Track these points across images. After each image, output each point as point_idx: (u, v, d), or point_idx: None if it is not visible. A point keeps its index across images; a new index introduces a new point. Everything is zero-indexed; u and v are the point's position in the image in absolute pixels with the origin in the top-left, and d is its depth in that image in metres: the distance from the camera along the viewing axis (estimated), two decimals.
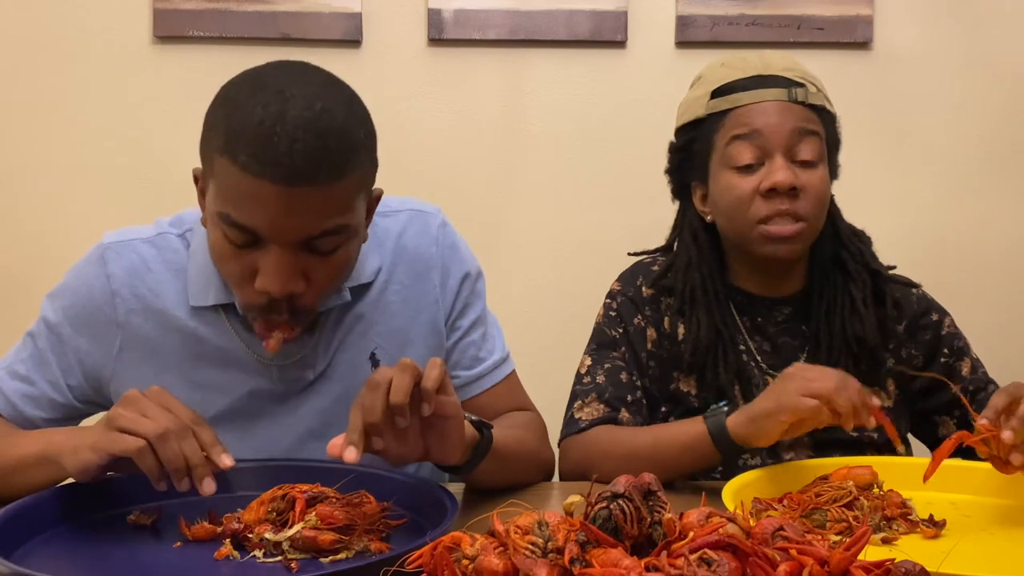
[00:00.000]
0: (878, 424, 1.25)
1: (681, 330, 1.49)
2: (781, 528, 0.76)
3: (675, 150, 1.54)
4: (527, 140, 2.40)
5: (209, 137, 1.15)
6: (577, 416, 1.45)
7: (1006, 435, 1.15)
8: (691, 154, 1.50)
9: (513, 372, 1.46)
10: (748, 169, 1.42)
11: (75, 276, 1.33)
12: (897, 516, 1.16)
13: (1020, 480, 1.27)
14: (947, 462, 1.35)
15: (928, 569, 0.75)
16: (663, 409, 1.50)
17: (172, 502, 1.14)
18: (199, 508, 1.12)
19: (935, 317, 1.53)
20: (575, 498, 0.82)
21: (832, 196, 1.50)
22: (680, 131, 1.53)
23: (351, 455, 1.04)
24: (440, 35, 2.34)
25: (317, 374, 1.33)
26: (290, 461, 1.28)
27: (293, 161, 1.09)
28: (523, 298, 2.39)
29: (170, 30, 2.32)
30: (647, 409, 1.48)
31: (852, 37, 2.38)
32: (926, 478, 1.23)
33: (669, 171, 1.56)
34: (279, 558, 1.04)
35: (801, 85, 1.44)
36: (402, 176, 2.23)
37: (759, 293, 1.50)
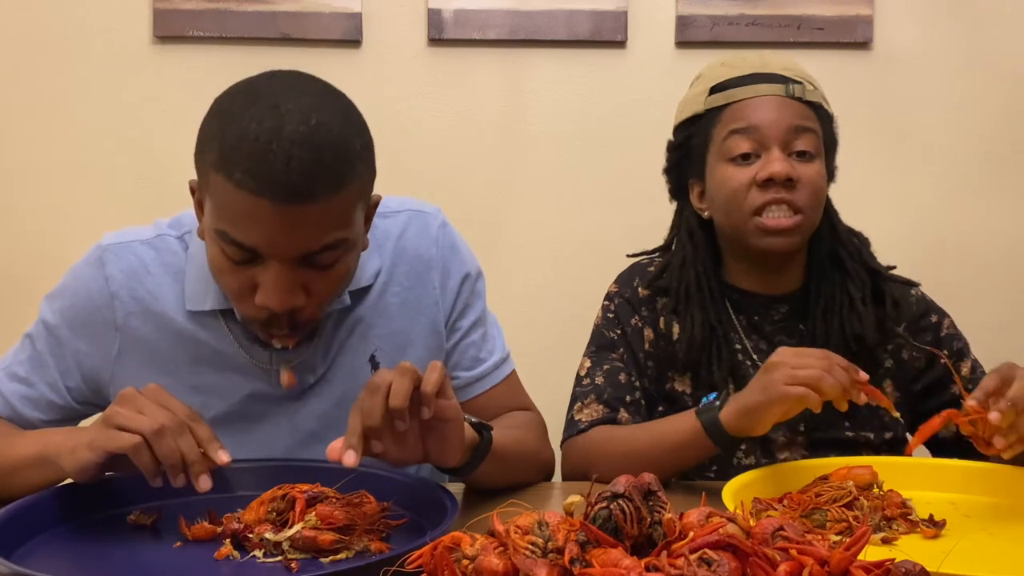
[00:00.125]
0: (870, 398, 1.24)
1: (676, 329, 1.50)
2: (781, 528, 0.76)
3: (673, 148, 1.55)
4: (527, 140, 2.40)
5: (204, 151, 1.13)
6: (577, 418, 1.45)
7: (993, 416, 1.16)
8: (689, 150, 1.51)
9: (513, 372, 1.46)
10: (745, 160, 1.43)
11: (73, 278, 1.33)
12: (897, 516, 1.16)
13: (1020, 480, 1.28)
14: (947, 462, 1.36)
15: (928, 569, 0.75)
16: (660, 409, 1.50)
17: (172, 502, 1.14)
18: (199, 508, 1.12)
19: (934, 319, 1.53)
20: (575, 498, 0.82)
21: (829, 198, 1.51)
22: (679, 128, 1.54)
23: (350, 459, 1.04)
24: (440, 35, 2.34)
25: (317, 377, 1.33)
26: (290, 461, 1.28)
27: (290, 178, 1.07)
28: (523, 298, 2.39)
29: (170, 30, 2.32)
30: (646, 409, 1.49)
31: (852, 37, 2.38)
32: (909, 451, 1.24)
33: (667, 170, 1.57)
34: (279, 558, 1.04)
35: (799, 83, 1.45)
36: (402, 176, 2.24)
37: (755, 291, 1.51)
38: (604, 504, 0.79)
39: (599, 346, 1.52)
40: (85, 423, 1.33)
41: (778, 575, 0.71)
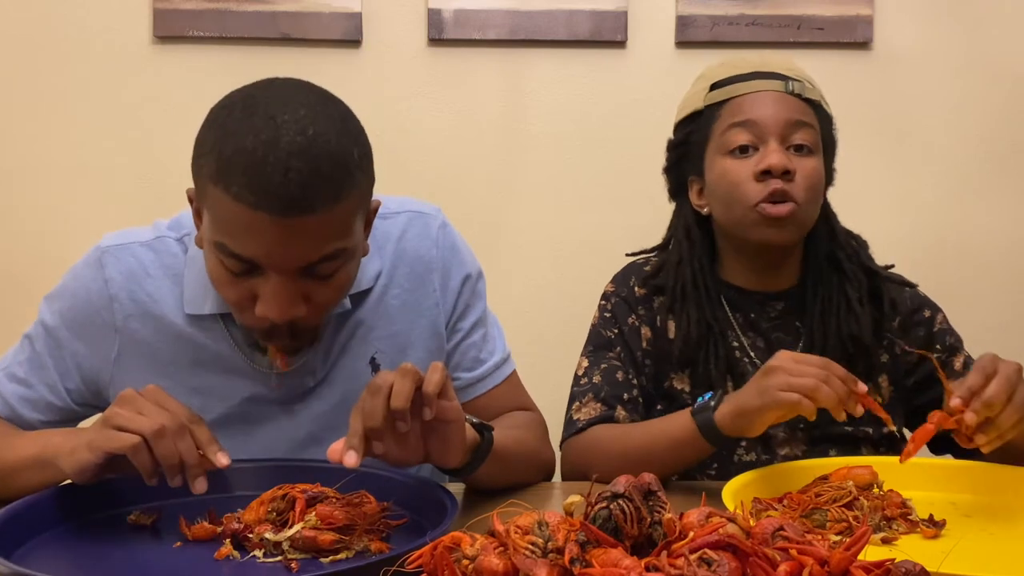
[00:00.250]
0: (867, 409, 1.24)
1: (672, 327, 1.50)
2: (781, 528, 0.76)
3: (673, 146, 1.56)
4: (527, 140, 2.40)
5: (201, 163, 1.13)
6: (575, 417, 1.46)
7: (968, 416, 1.17)
8: (689, 147, 1.52)
9: (514, 372, 1.46)
10: (743, 153, 1.43)
11: (73, 279, 1.33)
12: (897, 516, 1.16)
13: (1020, 480, 1.28)
14: (947, 462, 1.36)
15: (928, 569, 0.75)
16: (659, 407, 1.50)
17: (172, 502, 1.14)
18: (199, 508, 1.12)
19: (927, 314, 1.54)
20: (575, 498, 0.82)
21: (828, 201, 1.52)
22: (679, 125, 1.55)
23: (351, 459, 1.04)
24: (440, 35, 2.34)
25: (317, 380, 1.33)
26: (290, 461, 1.28)
27: (288, 191, 1.06)
28: (523, 298, 2.39)
29: (170, 30, 2.32)
30: (644, 407, 1.49)
31: (852, 37, 2.38)
32: (903, 459, 1.24)
33: (667, 169, 1.58)
34: (279, 558, 1.04)
35: (798, 80, 1.47)
36: (402, 176, 2.24)
37: (752, 288, 1.51)
38: (604, 504, 0.79)
39: (596, 345, 1.52)
40: (84, 424, 1.33)
41: (778, 575, 0.71)
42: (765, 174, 1.41)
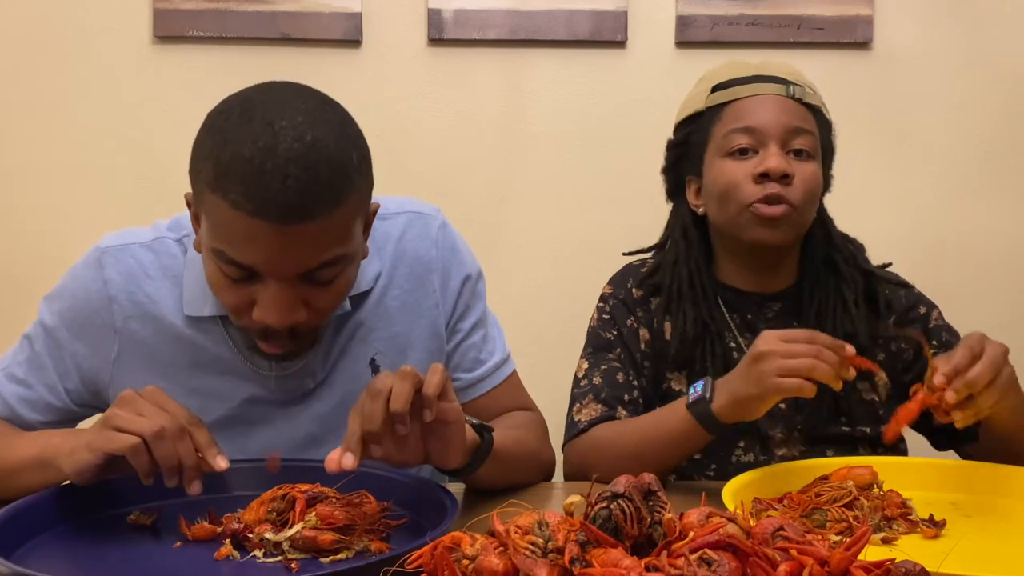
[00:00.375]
0: (858, 366, 1.24)
1: (668, 328, 1.50)
2: (781, 528, 0.76)
3: (673, 146, 1.57)
4: (527, 140, 2.40)
5: (199, 169, 1.12)
6: (577, 419, 1.46)
7: (949, 395, 1.17)
8: (689, 147, 1.52)
9: (514, 373, 1.46)
10: (743, 155, 1.44)
11: (72, 279, 1.33)
12: (897, 516, 1.16)
13: (1021, 480, 1.28)
14: (947, 462, 1.36)
15: (928, 569, 0.75)
16: (656, 408, 1.50)
17: (172, 502, 1.14)
18: (199, 508, 1.12)
19: (922, 310, 1.54)
20: (575, 498, 0.82)
21: (824, 205, 1.53)
22: (679, 126, 1.56)
23: (348, 461, 1.04)
24: (440, 35, 2.34)
25: (317, 382, 1.33)
26: (290, 461, 1.27)
27: (286, 198, 1.06)
28: (523, 298, 2.39)
29: (170, 30, 2.32)
30: (644, 408, 1.49)
31: (852, 37, 2.38)
32: (887, 437, 1.25)
33: (665, 169, 1.58)
34: (279, 558, 1.04)
35: (799, 85, 1.48)
36: (402, 176, 2.24)
37: (748, 289, 1.52)
38: (604, 504, 0.79)
39: (596, 347, 1.52)
40: (84, 424, 1.33)
41: (778, 575, 0.71)
42: (763, 176, 1.41)
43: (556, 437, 1.48)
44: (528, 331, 2.30)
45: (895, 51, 2.41)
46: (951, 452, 1.51)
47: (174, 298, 1.30)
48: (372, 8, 2.33)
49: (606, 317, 1.54)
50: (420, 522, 1.12)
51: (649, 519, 0.79)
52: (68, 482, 1.16)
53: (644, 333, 1.52)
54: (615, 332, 1.52)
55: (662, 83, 2.30)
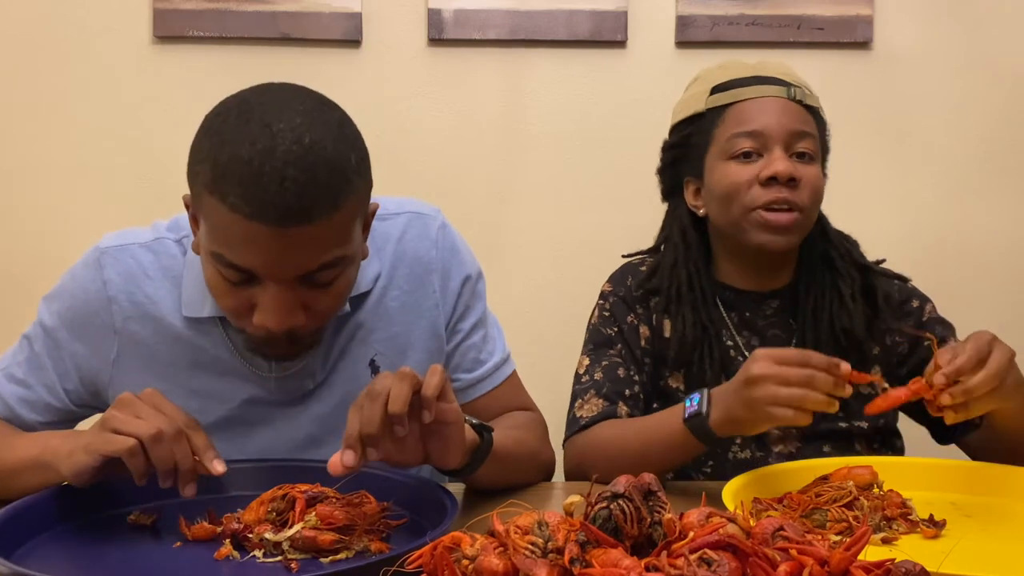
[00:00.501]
0: (856, 381, 1.22)
1: (668, 327, 1.50)
2: (781, 528, 0.76)
3: (670, 147, 1.57)
4: (527, 140, 2.40)
5: (197, 172, 1.12)
6: (578, 415, 1.46)
7: (944, 398, 1.17)
8: (688, 149, 1.52)
9: (514, 373, 1.46)
10: (747, 158, 1.44)
11: (71, 280, 1.33)
12: (897, 516, 1.16)
13: (1021, 480, 1.28)
14: (947, 462, 1.36)
15: (928, 569, 0.75)
16: (655, 405, 1.51)
17: (172, 502, 1.14)
18: (199, 508, 1.12)
19: (916, 304, 1.55)
20: (575, 498, 0.82)
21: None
22: (677, 127, 1.56)
23: (349, 458, 1.04)
24: (440, 35, 2.34)
25: (317, 383, 1.33)
26: (290, 461, 1.28)
27: (285, 201, 1.06)
28: (523, 298, 2.39)
29: (170, 30, 2.32)
30: (644, 403, 1.50)
31: (852, 37, 2.38)
32: (868, 409, 1.25)
33: (661, 170, 1.58)
34: (279, 558, 1.04)
35: (798, 87, 1.48)
36: (402, 176, 2.24)
37: (747, 288, 1.52)
38: (604, 504, 0.79)
39: (596, 344, 1.53)
40: (84, 424, 1.33)
41: (778, 575, 0.71)
42: (771, 180, 1.41)
43: (556, 436, 1.48)
44: (528, 331, 2.30)
45: (895, 51, 2.41)
46: (951, 452, 1.51)
47: (173, 299, 1.29)
48: (372, 8, 2.33)
49: (606, 314, 1.54)
50: (420, 522, 1.12)
51: (649, 519, 0.79)
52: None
53: (644, 330, 1.52)
54: (616, 329, 1.52)
55: (662, 83, 2.30)
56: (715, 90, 1.49)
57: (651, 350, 1.51)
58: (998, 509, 1.25)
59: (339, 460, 1.04)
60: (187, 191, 1.20)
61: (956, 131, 2.43)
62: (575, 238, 2.41)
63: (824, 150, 1.52)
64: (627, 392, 1.47)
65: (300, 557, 1.04)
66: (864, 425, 1.48)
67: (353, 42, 2.34)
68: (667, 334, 1.51)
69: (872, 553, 0.77)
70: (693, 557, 0.72)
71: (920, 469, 1.32)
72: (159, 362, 1.30)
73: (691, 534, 0.75)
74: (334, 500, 1.10)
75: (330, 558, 1.04)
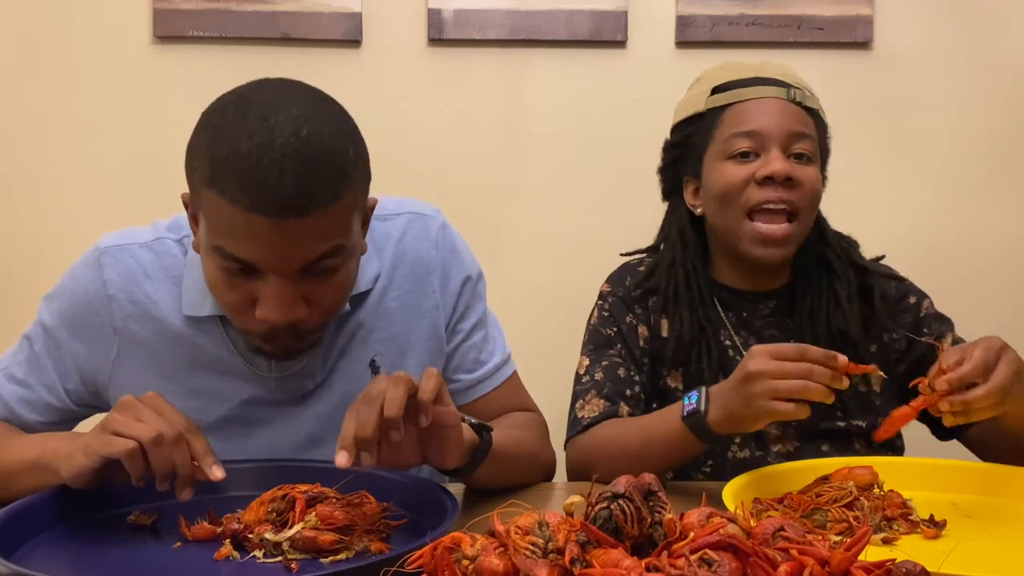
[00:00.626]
0: (853, 373, 1.21)
1: (665, 327, 1.51)
2: (782, 528, 0.76)
3: (670, 147, 1.57)
4: (527, 140, 2.40)
5: (194, 167, 1.12)
6: (580, 415, 1.46)
7: (944, 405, 1.16)
8: (688, 148, 1.53)
9: (515, 373, 1.46)
10: (744, 157, 1.44)
11: (71, 279, 1.33)
12: (898, 516, 1.16)
13: (1021, 480, 1.28)
14: (947, 462, 1.36)
15: (929, 569, 0.75)
16: (654, 405, 1.52)
17: (172, 502, 1.14)
18: (199, 508, 1.12)
19: (913, 300, 1.55)
20: (575, 498, 0.81)
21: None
22: (677, 127, 1.56)
23: (342, 460, 1.04)
24: (440, 35, 2.34)
25: (317, 383, 1.33)
26: (290, 461, 1.28)
27: (284, 192, 1.06)
28: (523, 298, 2.39)
29: (170, 30, 2.32)
30: (645, 402, 1.50)
31: (852, 37, 2.38)
32: (877, 436, 1.25)
33: (662, 169, 1.59)
34: (279, 558, 1.04)
35: (798, 89, 1.48)
36: (402, 176, 2.24)
37: (744, 288, 1.52)
38: (604, 504, 0.78)
39: (596, 344, 1.53)
40: (84, 424, 1.33)
41: (779, 575, 0.71)
42: (767, 180, 1.41)
43: (557, 436, 1.48)
44: (528, 331, 2.29)
45: (895, 51, 2.41)
46: (951, 452, 1.51)
47: (174, 298, 1.29)
48: (372, 8, 2.33)
49: (606, 314, 1.54)
50: (420, 522, 1.12)
51: (649, 519, 0.78)
52: None
53: (643, 330, 1.52)
54: (615, 329, 1.52)
55: (662, 83, 2.30)
56: (715, 90, 1.50)
57: (650, 350, 1.52)
58: (999, 509, 1.24)
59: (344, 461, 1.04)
60: (182, 195, 1.20)
61: (956, 131, 2.43)
62: (575, 238, 2.41)
63: (824, 153, 1.52)
64: (628, 392, 1.47)
65: (300, 557, 1.04)
66: (863, 424, 1.49)
67: (353, 42, 2.34)
68: (665, 333, 1.51)
69: (872, 553, 0.77)
70: (694, 557, 0.72)
71: (920, 469, 1.32)
72: (159, 361, 1.30)
73: (691, 534, 0.75)
74: (334, 500, 1.10)
75: (330, 558, 1.04)
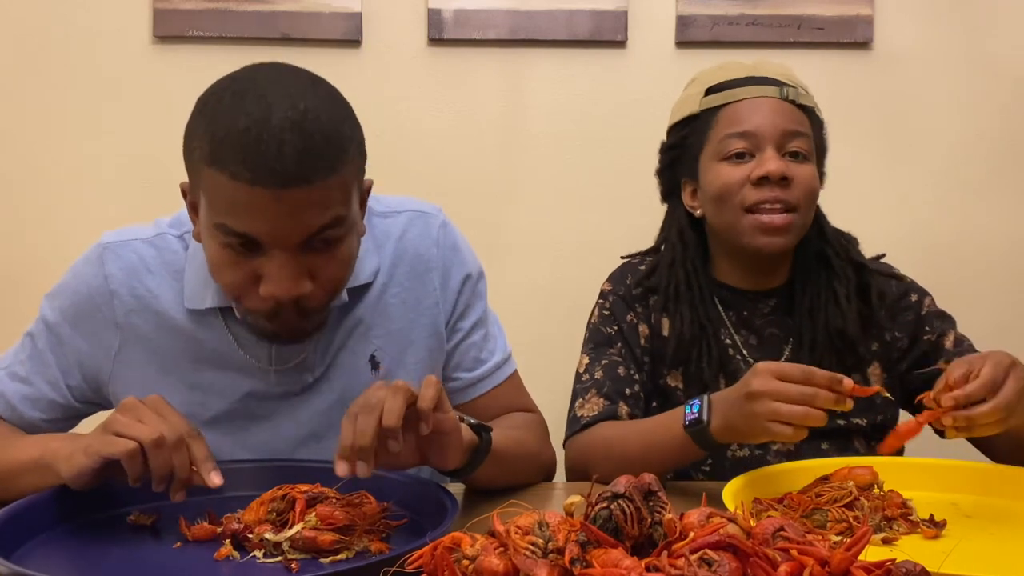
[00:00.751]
0: (859, 394, 1.20)
1: (666, 326, 1.51)
2: (782, 528, 0.76)
3: (667, 148, 1.57)
4: (527, 140, 2.40)
5: (193, 147, 1.13)
6: (579, 414, 1.46)
7: (947, 419, 1.15)
8: (684, 150, 1.53)
9: (515, 372, 1.46)
10: (739, 159, 1.45)
11: (73, 276, 1.33)
12: (898, 516, 1.16)
13: (1020, 480, 1.28)
14: (947, 462, 1.36)
15: (929, 569, 0.75)
16: (654, 404, 1.52)
17: (172, 502, 1.14)
18: (199, 508, 1.12)
19: (914, 298, 1.55)
20: (575, 498, 0.82)
21: (818, 203, 1.52)
22: (673, 128, 1.56)
23: (342, 470, 1.04)
24: (440, 35, 2.34)
25: (316, 376, 1.33)
26: (290, 461, 1.28)
27: (284, 164, 1.07)
28: (523, 298, 2.39)
29: (170, 30, 2.32)
30: (645, 402, 1.50)
31: (852, 37, 2.38)
32: (881, 451, 1.24)
33: (660, 171, 1.59)
34: (279, 558, 1.04)
35: (792, 87, 1.48)
36: (402, 176, 2.24)
37: (744, 287, 1.53)
38: (604, 504, 0.79)
39: (597, 343, 1.53)
40: (86, 422, 1.33)
41: (779, 575, 0.71)
42: (763, 180, 1.41)
43: (557, 436, 1.48)
44: (528, 331, 2.29)
45: (895, 51, 2.41)
46: (951, 452, 1.51)
47: (175, 293, 1.30)
48: (372, 8, 2.33)
49: (606, 313, 1.54)
50: (420, 522, 1.12)
51: (649, 519, 0.79)
52: None
53: (643, 329, 1.53)
54: (615, 328, 1.52)
55: (662, 83, 2.29)
56: (709, 91, 1.50)
57: (650, 349, 1.52)
58: (999, 509, 1.25)
59: (344, 468, 1.05)
60: (180, 184, 1.21)
61: (956, 131, 2.43)
62: (575, 238, 2.41)
63: (821, 150, 1.52)
64: (627, 391, 1.48)
65: (300, 557, 1.04)
66: (863, 423, 1.49)
67: (353, 42, 2.34)
68: (666, 332, 1.51)
69: (873, 553, 0.77)
70: (694, 557, 0.72)
71: (920, 469, 1.32)
72: (160, 356, 1.30)
73: (691, 534, 0.75)
74: (334, 500, 1.10)
75: (330, 558, 1.04)
